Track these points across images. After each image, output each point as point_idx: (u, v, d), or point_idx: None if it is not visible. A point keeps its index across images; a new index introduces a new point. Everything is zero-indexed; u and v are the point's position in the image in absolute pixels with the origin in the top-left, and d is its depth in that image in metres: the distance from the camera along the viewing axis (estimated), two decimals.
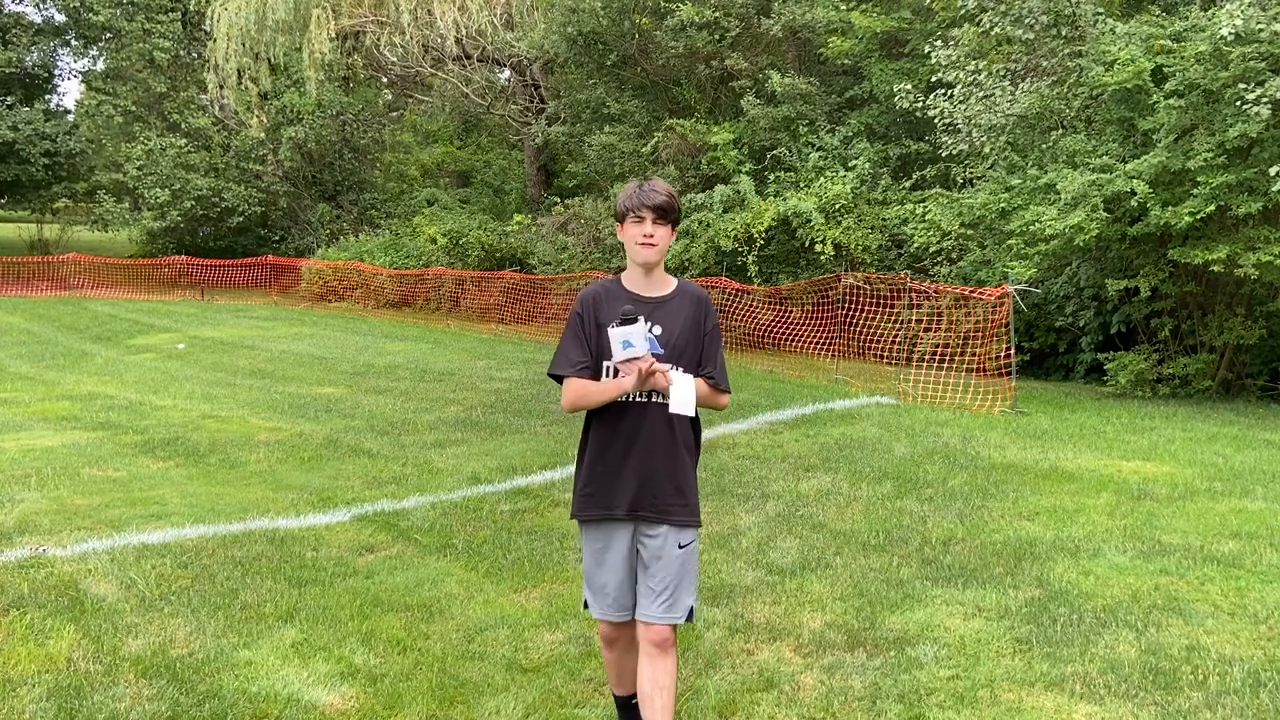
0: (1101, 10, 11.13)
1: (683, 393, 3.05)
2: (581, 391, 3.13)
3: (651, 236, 3.09)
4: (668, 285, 3.20)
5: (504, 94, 27.40)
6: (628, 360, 3.02)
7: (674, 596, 3.16)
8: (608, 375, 3.12)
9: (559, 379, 3.18)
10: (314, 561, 5.29)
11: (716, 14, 17.20)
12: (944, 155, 12.98)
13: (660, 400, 3.11)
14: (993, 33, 11.67)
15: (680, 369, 3.11)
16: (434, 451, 8.02)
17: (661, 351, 3.09)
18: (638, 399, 3.12)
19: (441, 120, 33.52)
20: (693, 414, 3.10)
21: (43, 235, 34.62)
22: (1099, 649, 4.01)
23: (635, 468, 3.12)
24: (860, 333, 12.43)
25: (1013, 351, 10.31)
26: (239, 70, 25.27)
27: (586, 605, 3.31)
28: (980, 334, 11.17)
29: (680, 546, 3.16)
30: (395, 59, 25.09)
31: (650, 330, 3.08)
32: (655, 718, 3.21)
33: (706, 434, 8.13)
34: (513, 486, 6.86)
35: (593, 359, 3.15)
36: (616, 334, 3.00)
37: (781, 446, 7.75)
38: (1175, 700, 3.60)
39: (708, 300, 3.24)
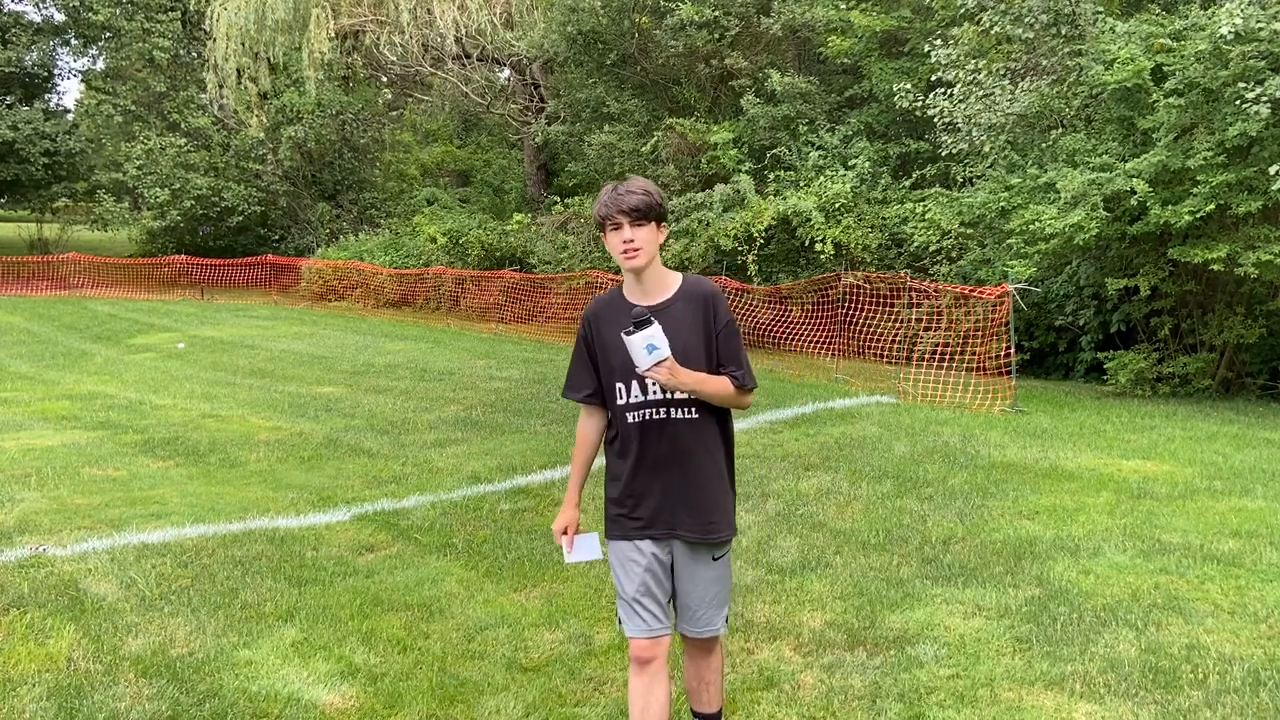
0: (1101, 9, 11.13)
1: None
2: (577, 443, 3.18)
3: (632, 241, 2.90)
4: (668, 288, 3.00)
5: (504, 93, 27.40)
6: (658, 364, 2.82)
7: (712, 610, 3.11)
8: (629, 389, 2.96)
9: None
10: (314, 561, 5.29)
11: (716, 13, 17.19)
12: (944, 154, 12.98)
13: (683, 415, 2.98)
14: (992, 32, 11.67)
15: None
16: (434, 451, 8.02)
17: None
18: (655, 415, 2.98)
19: (441, 120, 33.54)
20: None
21: (43, 235, 34.65)
22: (1099, 648, 4.01)
23: (665, 484, 3.00)
24: (860, 332, 12.43)
25: (1012, 350, 10.30)
26: (239, 70, 25.29)
27: (620, 624, 3.13)
28: (980, 333, 11.17)
29: (715, 559, 3.09)
30: (395, 58, 25.08)
31: None
32: (704, 709, 3.24)
33: None
34: (513, 486, 6.86)
35: (599, 383, 3.05)
36: (637, 340, 2.81)
37: (781, 445, 7.75)
38: (1175, 699, 3.60)
39: (714, 295, 3.02)
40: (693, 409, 2.99)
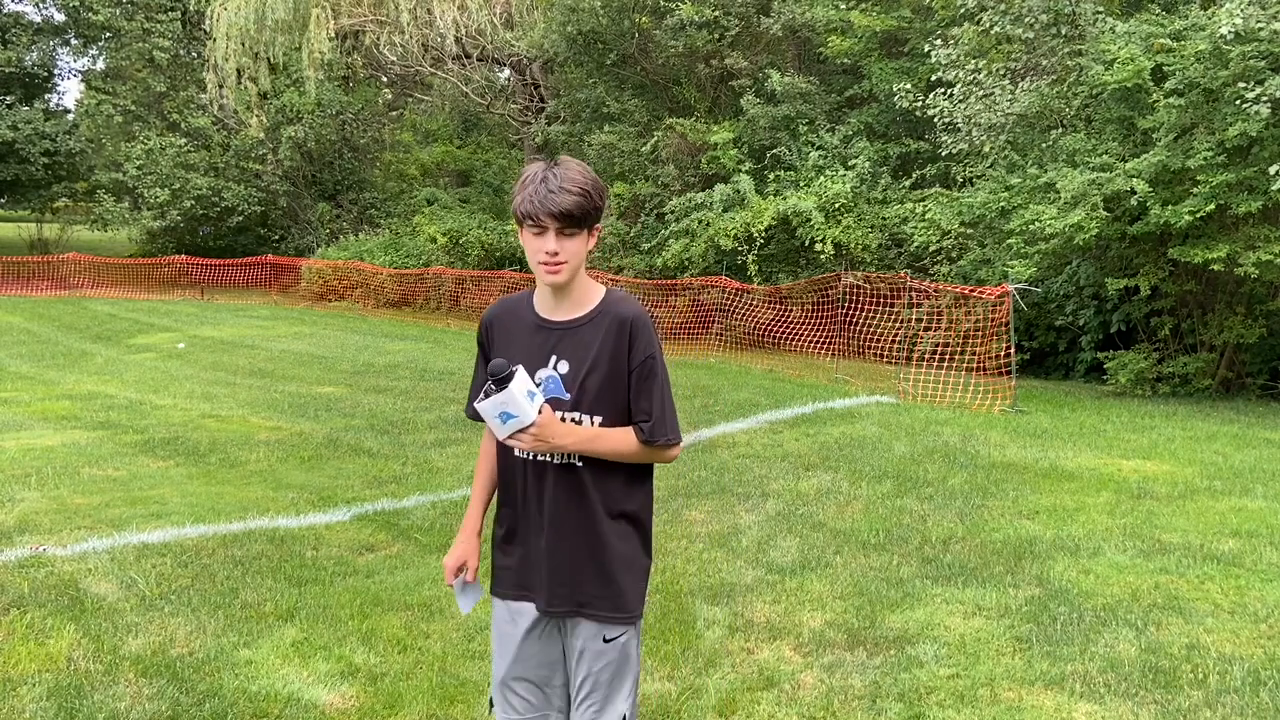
0: (1101, 9, 11.13)
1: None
2: (480, 457, 2.63)
3: (557, 254, 2.28)
4: (586, 303, 2.39)
5: (504, 93, 27.42)
6: (519, 432, 2.30)
7: (591, 702, 2.44)
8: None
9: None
10: (314, 561, 5.29)
11: (716, 13, 17.20)
12: (944, 154, 12.99)
13: (568, 460, 2.39)
14: (992, 32, 11.68)
15: (596, 419, 2.37)
16: (434, 450, 8.02)
17: (566, 396, 2.36)
18: (539, 456, 2.40)
19: (441, 120, 33.54)
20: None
21: (43, 235, 34.65)
22: (1099, 648, 4.01)
23: (545, 546, 2.42)
24: (860, 332, 12.43)
25: (1012, 350, 10.31)
26: (238, 70, 25.29)
27: (491, 707, 2.57)
28: (980, 333, 11.18)
29: (606, 641, 2.43)
30: (395, 58, 25.09)
31: (555, 367, 2.38)
32: None
33: (706, 433, 8.14)
34: None
35: None
36: (489, 407, 2.28)
37: (781, 445, 7.75)
38: (1175, 699, 3.60)
39: (638, 322, 2.36)
40: (577, 456, 2.39)
